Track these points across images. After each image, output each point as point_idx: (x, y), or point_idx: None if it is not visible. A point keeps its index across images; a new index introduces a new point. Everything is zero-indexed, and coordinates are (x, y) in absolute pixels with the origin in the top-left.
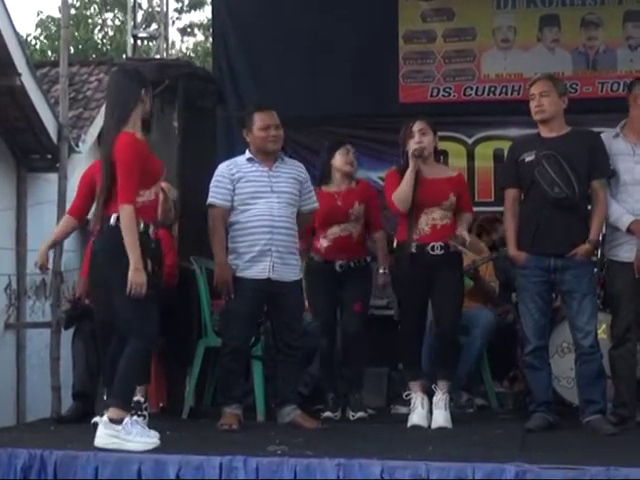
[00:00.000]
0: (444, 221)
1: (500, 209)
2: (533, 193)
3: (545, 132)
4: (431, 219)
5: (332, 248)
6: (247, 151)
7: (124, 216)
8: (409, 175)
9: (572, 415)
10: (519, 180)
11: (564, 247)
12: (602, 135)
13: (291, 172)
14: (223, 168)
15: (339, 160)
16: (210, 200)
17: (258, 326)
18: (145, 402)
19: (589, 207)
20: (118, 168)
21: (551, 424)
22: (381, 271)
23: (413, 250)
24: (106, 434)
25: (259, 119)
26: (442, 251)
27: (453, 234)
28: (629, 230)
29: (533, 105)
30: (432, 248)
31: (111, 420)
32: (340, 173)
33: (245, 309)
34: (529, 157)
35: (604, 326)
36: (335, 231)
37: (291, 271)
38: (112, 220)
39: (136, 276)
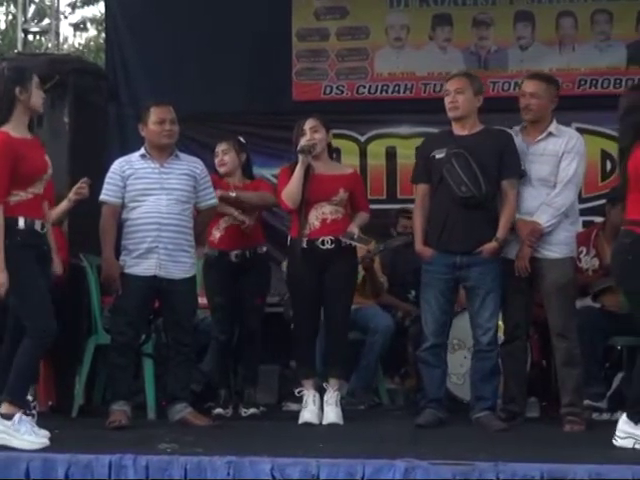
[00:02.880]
0: (334, 215)
1: (392, 206)
2: (441, 190)
3: (457, 130)
4: (321, 213)
5: (225, 237)
6: (142, 147)
7: None
8: (297, 172)
9: (462, 411)
10: (430, 176)
11: (470, 245)
12: None
13: (184, 168)
14: (116, 165)
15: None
16: (101, 197)
17: (149, 323)
18: (34, 401)
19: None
20: None
21: (441, 420)
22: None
23: (304, 245)
24: None
25: (154, 113)
26: (333, 245)
27: (345, 230)
28: (513, 229)
29: (447, 101)
30: (322, 242)
31: (2, 415)
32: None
33: (131, 305)
34: (439, 154)
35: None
36: (227, 220)
37: (180, 269)
38: None
39: None
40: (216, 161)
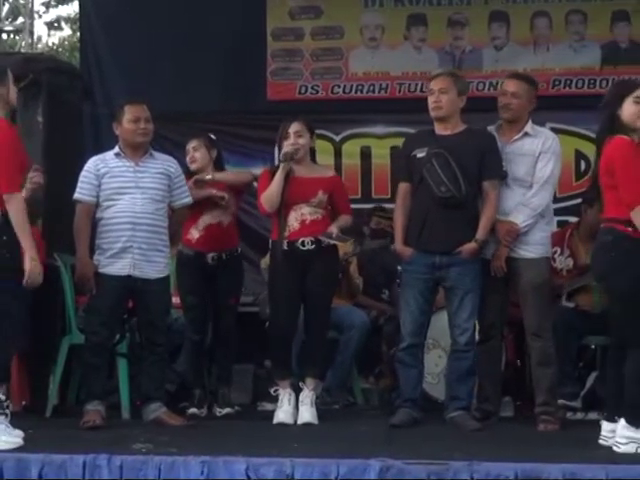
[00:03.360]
0: (314, 216)
1: (366, 206)
2: (421, 190)
3: (439, 129)
4: (300, 214)
5: (204, 238)
6: (117, 146)
7: (15, 205)
8: (278, 177)
9: (437, 411)
10: (411, 175)
11: (449, 245)
12: None
13: (159, 167)
14: (90, 163)
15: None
16: (75, 195)
17: (123, 323)
18: (7, 400)
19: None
20: None
21: (416, 420)
22: None
23: (285, 247)
24: None
25: (129, 111)
26: (313, 246)
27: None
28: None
29: (431, 101)
30: (302, 243)
31: None
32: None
33: (106, 305)
34: (420, 153)
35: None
36: (206, 220)
37: (154, 268)
38: None
39: (34, 266)
40: (187, 158)
